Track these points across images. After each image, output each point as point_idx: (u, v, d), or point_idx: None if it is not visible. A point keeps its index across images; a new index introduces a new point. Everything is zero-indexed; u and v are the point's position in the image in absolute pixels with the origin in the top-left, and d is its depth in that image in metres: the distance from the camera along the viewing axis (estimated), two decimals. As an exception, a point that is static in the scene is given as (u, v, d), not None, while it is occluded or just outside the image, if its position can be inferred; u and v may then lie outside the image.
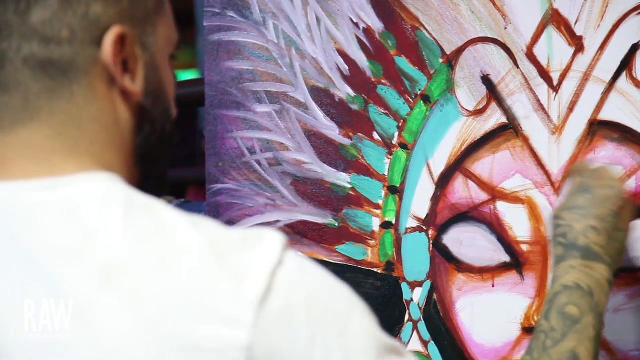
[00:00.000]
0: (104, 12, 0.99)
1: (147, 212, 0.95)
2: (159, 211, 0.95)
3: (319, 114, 1.71)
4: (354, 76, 1.68)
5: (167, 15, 1.07)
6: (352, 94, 1.69)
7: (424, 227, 1.64)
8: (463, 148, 1.61)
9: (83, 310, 0.91)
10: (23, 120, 0.98)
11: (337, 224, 1.70)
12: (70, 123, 0.98)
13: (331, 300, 0.94)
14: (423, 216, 1.64)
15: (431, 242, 1.64)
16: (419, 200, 1.64)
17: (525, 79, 1.57)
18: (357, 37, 1.68)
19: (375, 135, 1.67)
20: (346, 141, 1.69)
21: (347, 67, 1.69)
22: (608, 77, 1.53)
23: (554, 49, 1.56)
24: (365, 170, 1.68)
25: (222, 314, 0.89)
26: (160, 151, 1.06)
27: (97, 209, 0.93)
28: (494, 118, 1.59)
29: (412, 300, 1.65)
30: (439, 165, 1.63)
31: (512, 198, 1.58)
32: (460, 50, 1.61)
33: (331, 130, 1.70)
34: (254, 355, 0.89)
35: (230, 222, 1.76)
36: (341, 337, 0.92)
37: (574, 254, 1.21)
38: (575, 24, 1.54)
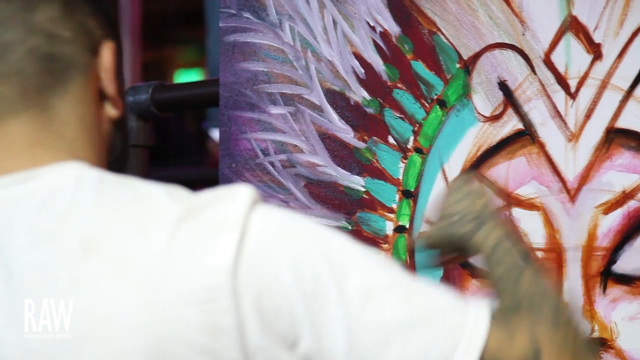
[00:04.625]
0: (95, 26, 1.06)
1: (121, 185, 0.99)
2: (133, 184, 0.99)
3: (334, 116, 1.71)
4: (370, 79, 1.68)
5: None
6: (368, 97, 1.68)
7: (437, 232, 1.64)
8: (479, 153, 1.61)
9: (70, 286, 0.93)
10: (16, 112, 1.02)
11: (350, 227, 1.69)
12: (58, 119, 1.03)
13: (306, 230, 0.97)
14: (437, 221, 1.64)
15: (445, 247, 1.63)
16: (434, 205, 1.64)
17: (543, 85, 1.57)
18: (374, 41, 1.68)
19: (390, 139, 1.67)
20: (361, 144, 1.69)
21: (363, 71, 1.69)
22: (626, 85, 1.52)
23: (572, 56, 1.55)
24: (379, 174, 1.68)
25: (205, 264, 0.92)
26: (126, 156, 1.13)
27: (71, 191, 0.97)
28: (511, 124, 1.59)
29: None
30: (454, 170, 1.62)
31: (528, 204, 1.58)
32: (477, 56, 1.61)
33: (346, 133, 1.70)
34: (243, 298, 0.92)
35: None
36: (325, 256, 0.94)
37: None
38: (594, 31, 1.54)
